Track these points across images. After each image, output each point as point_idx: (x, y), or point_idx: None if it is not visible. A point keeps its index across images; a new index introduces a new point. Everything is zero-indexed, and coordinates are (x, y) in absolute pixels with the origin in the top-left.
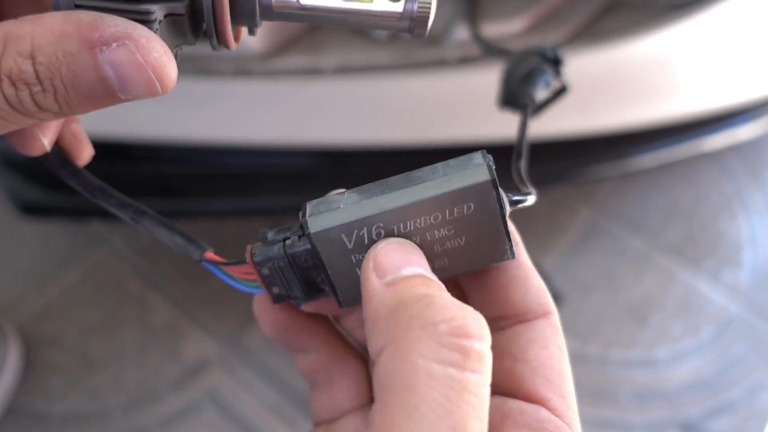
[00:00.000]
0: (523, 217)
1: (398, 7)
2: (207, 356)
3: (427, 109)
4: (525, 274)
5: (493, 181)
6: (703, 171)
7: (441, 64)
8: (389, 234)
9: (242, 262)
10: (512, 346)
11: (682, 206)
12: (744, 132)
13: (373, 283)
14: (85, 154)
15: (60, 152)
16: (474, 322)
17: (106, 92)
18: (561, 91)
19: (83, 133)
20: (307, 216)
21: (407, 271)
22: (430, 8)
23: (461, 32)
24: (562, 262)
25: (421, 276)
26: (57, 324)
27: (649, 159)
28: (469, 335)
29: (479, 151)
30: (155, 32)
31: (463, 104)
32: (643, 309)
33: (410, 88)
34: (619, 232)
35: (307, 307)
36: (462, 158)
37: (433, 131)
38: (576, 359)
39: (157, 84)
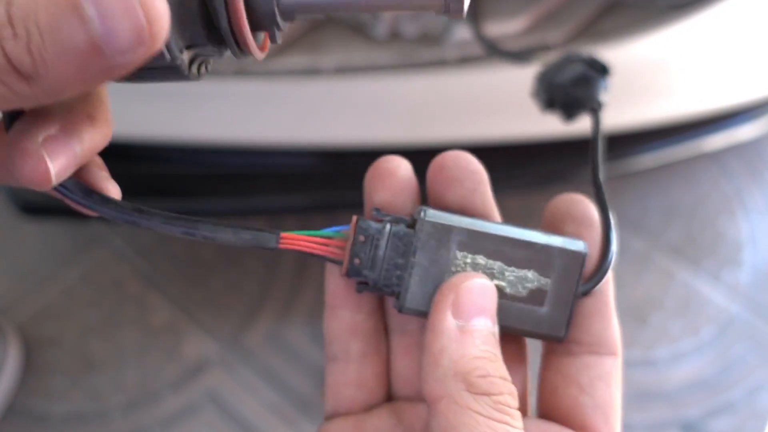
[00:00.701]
0: (523, 217)
1: None
2: (207, 356)
3: (427, 109)
4: (609, 310)
5: (585, 256)
6: (703, 171)
7: (441, 64)
8: (482, 252)
9: (332, 232)
10: (581, 376)
11: (682, 206)
12: (744, 132)
13: (447, 320)
14: (112, 191)
15: (79, 182)
16: (513, 399)
17: (88, 40)
18: (594, 110)
19: (104, 167)
20: (427, 209)
21: (478, 323)
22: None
23: (461, 32)
24: None
25: (489, 335)
26: (57, 324)
27: (649, 159)
28: (510, 406)
29: (581, 240)
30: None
31: (463, 104)
32: (643, 309)
33: (410, 88)
34: (620, 232)
35: (370, 297)
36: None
37: (433, 131)
38: None
39: (144, 21)
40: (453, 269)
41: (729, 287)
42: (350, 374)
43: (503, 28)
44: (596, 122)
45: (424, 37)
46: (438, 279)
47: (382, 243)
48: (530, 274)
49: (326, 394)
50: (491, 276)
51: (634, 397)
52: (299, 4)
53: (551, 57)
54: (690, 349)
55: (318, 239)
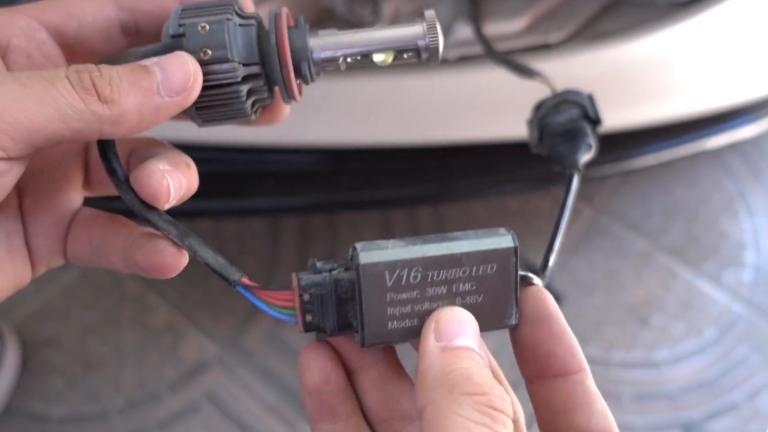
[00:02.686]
0: (524, 217)
1: (418, 39)
2: (206, 357)
3: (427, 108)
4: (591, 399)
5: (515, 248)
6: (706, 171)
7: (441, 63)
8: (424, 279)
9: (278, 288)
10: (567, 401)
11: (685, 206)
12: (746, 131)
13: (430, 343)
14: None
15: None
16: (500, 401)
17: (151, 83)
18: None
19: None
20: (358, 250)
21: (459, 341)
22: (438, 41)
23: (462, 32)
24: (563, 262)
25: (469, 349)
26: (55, 324)
27: (651, 158)
28: (496, 408)
29: (503, 228)
30: (240, 91)
31: (463, 104)
32: (645, 309)
33: (410, 87)
34: (621, 232)
35: (332, 340)
36: (489, 229)
37: (433, 131)
38: None
39: (191, 79)
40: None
41: (731, 288)
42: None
43: (503, 27)
44: (570, 186)
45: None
46: (390, 304)
47: (327, 294)
48: (471, 282)
49: None
50: (441, 295)
51: (635, 398)
52: (324, 58)
53: (550, 94)
54: (692, 350)
55: (272, 293)
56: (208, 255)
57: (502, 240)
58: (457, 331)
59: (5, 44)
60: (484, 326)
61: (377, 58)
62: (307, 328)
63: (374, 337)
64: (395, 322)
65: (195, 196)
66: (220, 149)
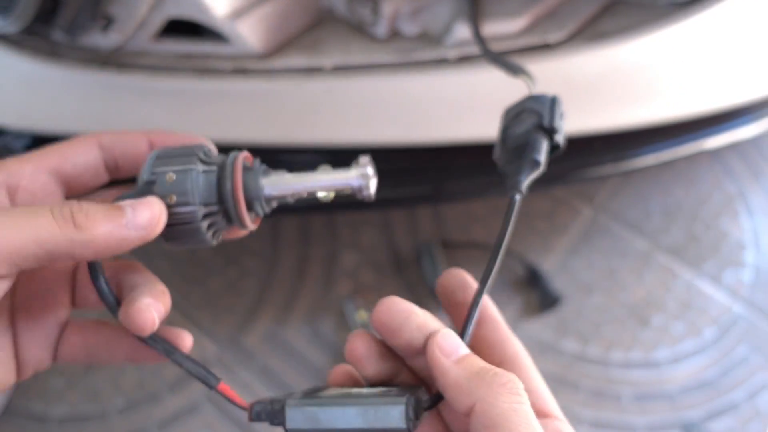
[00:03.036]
0: (524, 216)
1: (352, 181)
2: (205, 357)
3: (427, 108)
4: (535, 381)
5: (404, 429)
6: (706, 171)
7: (441, 62)
8: None
9: (241, 406)
10: None
11: (685, 206)
12: (746, 131)
13: (444, 362)
14: (186, 342)
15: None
16: (517, 380)
17: (121, 218)
18: (554, 149)
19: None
20: (287, 414)
21: (462, 351)
22: (368, 185)
23: (462, 32)
24: (563, 262)
25: (471, 355)
26: None
27: (651, 158)
28: (518, 386)
29: (405, 397)
30: (200, 227)
31: (463, 103)
32: (645, 310)
33: (410, 87)
34: (621, 232)
35: None
36: (388, 397)
37: (433, 130)
38: (577, 360)
39: (156, 221)
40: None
41: (731, 288)
42: None
43: (503, 27)
44: (510, 209)
45: (425, 36)
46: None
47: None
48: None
49: None
50: None
51: (636, 398)
52: (273, 196)
53: (521, 97)
54: (692, 350)
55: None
56: (191, 368)
57: (395, 418)
58: (456, 345)
59: (15, 186)
60: None
61: (320, 194)
62: (254, 418)
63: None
64: None
65: None
66: (221, 149)
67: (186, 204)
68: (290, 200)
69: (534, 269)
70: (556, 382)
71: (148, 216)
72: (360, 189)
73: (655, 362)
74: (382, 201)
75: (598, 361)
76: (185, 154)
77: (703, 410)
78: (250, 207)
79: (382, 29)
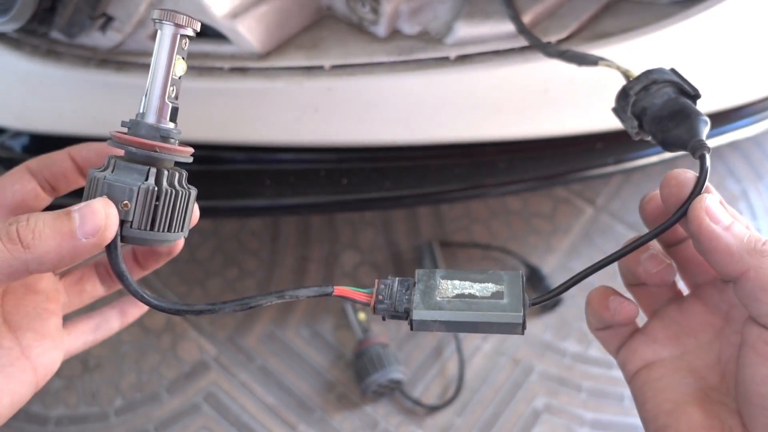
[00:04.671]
0: (525, 216)
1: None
2: (204, 358)
3: (428, 107)
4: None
5: (522, 274)
6: (709, 172)
7: (441, 62)
8: (456, 279)
9: (363, 289)
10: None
11: None
12: (747, 131)
13: (715, 229)
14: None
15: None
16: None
17: (70, 227)
18: None
19: None
20: (413, 305)
21: (726, 221)
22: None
23: (462, 31)
24: (565, 262)
25: (737, 223)
26: None
27: (653, 157)
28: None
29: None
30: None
31: (464, 103)
32: None
33: (410, 86)
34: (623, 232)
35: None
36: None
37: (434, 130)
38: (579, 361)
39: (103, 224)
40: (440, 289)
41: None
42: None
43: (503, 27)
44: (703, 166)
45: (425, 35)
46: (433, 296)
47: (394, 286)
48: (490, 285)
49: None
50: (463, 289)
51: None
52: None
53: (625, 78)
54: None
55: (359, 293)
56: (303, 293)
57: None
58: (721, 212)
59: None
60: (494, 326)
61: None
62: (377, 309)
63: (422, 317)
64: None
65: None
66: (220, 149)
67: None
68: None
69: (535, 269)
70: (557, 383)
71: (95, 221)
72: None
73: None
74: (382, 201)
75: (600, 362)
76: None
77: None
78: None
79: (382, 28)
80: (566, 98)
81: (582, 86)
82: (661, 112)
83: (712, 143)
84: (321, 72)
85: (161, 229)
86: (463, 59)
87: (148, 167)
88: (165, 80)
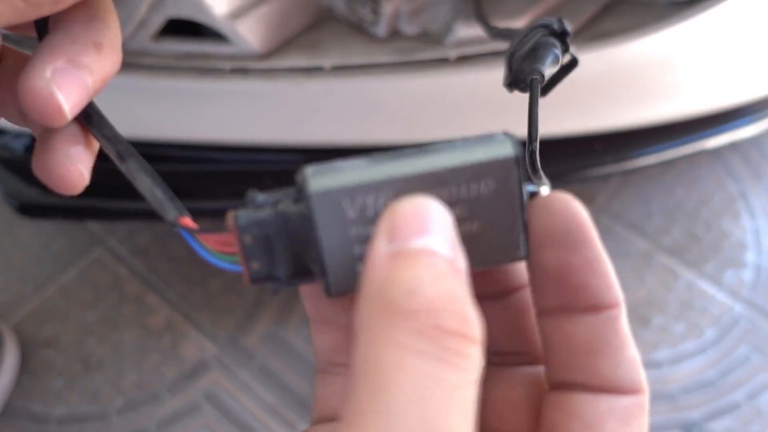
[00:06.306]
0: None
1: None
2: (205, 358)
3: (428, 107)
4: (621, 342)
5: (516, 158)
6: (708, 172)
7: (441, 62)
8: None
9: (223, 230)
10: (587, 411)
11: (686, 207)
12: (746, 131)
13: (380, 247)
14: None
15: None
16: (458, 318)
17: None
18: (571, 65)
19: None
20: (308, 175)
21: (416, 243)
22: None
23: (462, 31)
24: None
25: (429, 252)
26: (54, 325)
27: (652, 158)
28: (447, 330)
29: (501, 131)
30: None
31: (464, 103)
32: (646, 310)
33: (410, 86)
34: (622, 232)
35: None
36: (483, 135)
37: (433, 131)
38: None
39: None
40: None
41: (732, 288)
42: (336, 386)
43: (503, 27)
44: (534, 96)
45: (425, 36)
46: (356, 240)
47: (275, 234)
48: (461, 206)
49: (315, 402)
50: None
51: None
52: None
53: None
54: (693, 350)
55: (214, 236)
56: (146, 184)
57: (499, 148)
58: (417, 228)
59: None
60: (485, 262)
61: None
62: (255, 277)
63: (343, 285)
64: None
65: (194, 196)
66: (220, 149)
67: None
68: None
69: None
70: None
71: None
72: None
73: (656, 362)
74: None
75: None
76: None
77: (703, 411)
78: None
79: (382, 29)
80: (565, 98)
81: (581, 86)
82: (526, 53)
83: (712, 143)
84: (321, 72)
85: None
86: (463, 60)
87: None
88: None
